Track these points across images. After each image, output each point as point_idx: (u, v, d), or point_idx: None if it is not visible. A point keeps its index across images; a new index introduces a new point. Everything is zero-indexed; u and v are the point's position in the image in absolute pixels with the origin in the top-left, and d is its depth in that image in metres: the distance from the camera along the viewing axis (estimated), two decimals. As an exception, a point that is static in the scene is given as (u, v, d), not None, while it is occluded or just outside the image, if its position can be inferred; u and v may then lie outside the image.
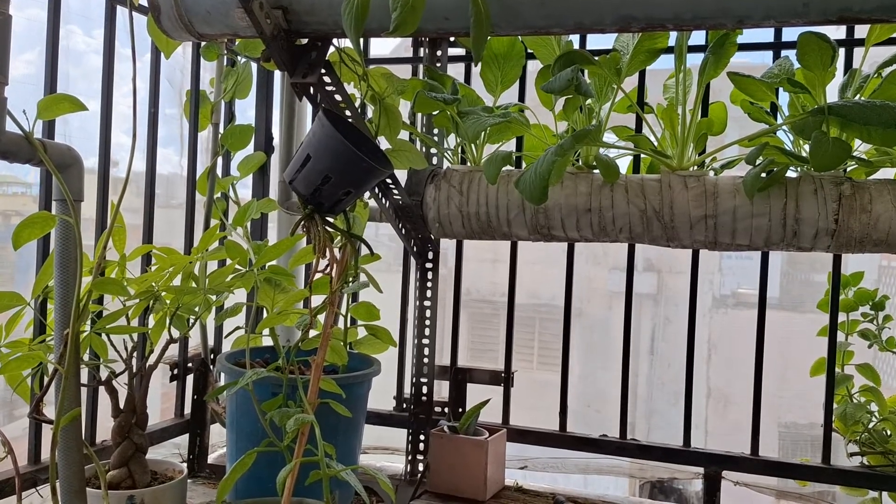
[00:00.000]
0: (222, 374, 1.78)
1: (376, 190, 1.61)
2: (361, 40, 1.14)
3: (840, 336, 1.84)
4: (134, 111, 1.24)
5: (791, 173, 1.48)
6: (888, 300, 1.90)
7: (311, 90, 1.28)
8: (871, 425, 1.80)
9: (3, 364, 1.23)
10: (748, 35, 1.57)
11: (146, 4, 1.25)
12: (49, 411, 1.23)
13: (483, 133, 1.68)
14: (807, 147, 1.41)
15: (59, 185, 1.14)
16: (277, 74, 2.11)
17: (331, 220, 1.26)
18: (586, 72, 1.63)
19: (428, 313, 1.90)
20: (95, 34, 1.70)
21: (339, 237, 1.32)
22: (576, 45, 1.74)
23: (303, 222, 1.25)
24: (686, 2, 1.04)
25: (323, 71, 1.27)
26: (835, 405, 1.81)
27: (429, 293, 1.89)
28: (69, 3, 1.53)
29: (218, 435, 2.03)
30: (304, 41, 1.26)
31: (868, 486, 1.75)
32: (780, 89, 1.49)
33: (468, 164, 1.73)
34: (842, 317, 1.87)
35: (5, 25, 1.06)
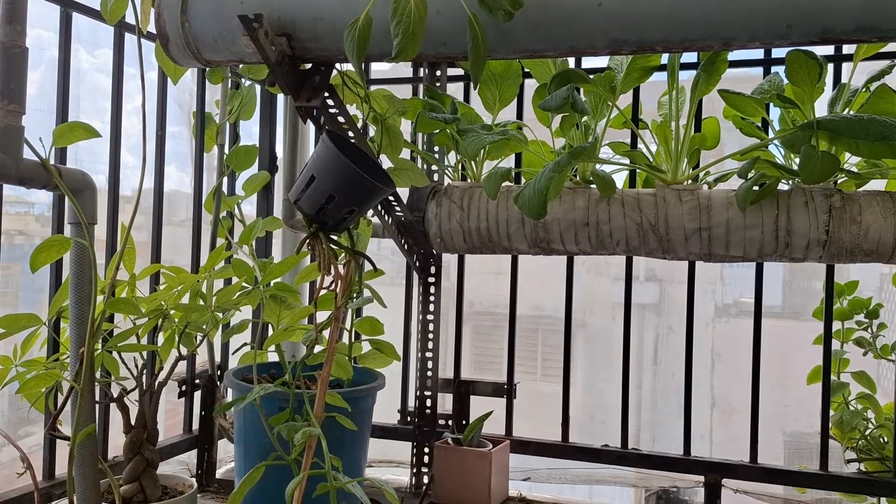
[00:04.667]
0: (229, 390, 1.81)
1: (379, 207, 1.64)
2: (363, 65, 1.18)
3: (836, 344, 1.86)
4: (143, 137, 1.28)
5: (783, 186, 1.51)
6: (882, 308, 1.93)
7: (315, 113, 1.31)
8: (867, 432, 1.82)
9: (22, 383, 1.26)
10: (739, 51, 1.61)
11: (154, 31, 1.29)
12: (62, 428, 1.26)
13: (482, 150, 1.72)
14: (797, 160, 1.44)
15: (72, 209, 1.18)
16: (280, 95, 2.16)
17: (335, 237, 1.30)
18: (582, 89, 1.67)
19: (431, 327, 1.93)
20: (97, 53, 1.74)
21: (343, 254, 1.36)
22: (571, 64, 1.78)
23: (308, 240, 1.29)
24: (675, 26, 1.08)
25: (326, 94, 1.30)
26: (832, 412, 1.83)
27: (431, 307, 1.93)
28: (78, 27, 1.57)
29: (224, 450, 2.06)
30: (308, 66, 1.30)
31: (865, 493, 1.77)
32: (771, 104, 1.53)
33: (468, 180, 1.77)
34: (837, 325, 1.90)
35: (22, 58, 1.10)
